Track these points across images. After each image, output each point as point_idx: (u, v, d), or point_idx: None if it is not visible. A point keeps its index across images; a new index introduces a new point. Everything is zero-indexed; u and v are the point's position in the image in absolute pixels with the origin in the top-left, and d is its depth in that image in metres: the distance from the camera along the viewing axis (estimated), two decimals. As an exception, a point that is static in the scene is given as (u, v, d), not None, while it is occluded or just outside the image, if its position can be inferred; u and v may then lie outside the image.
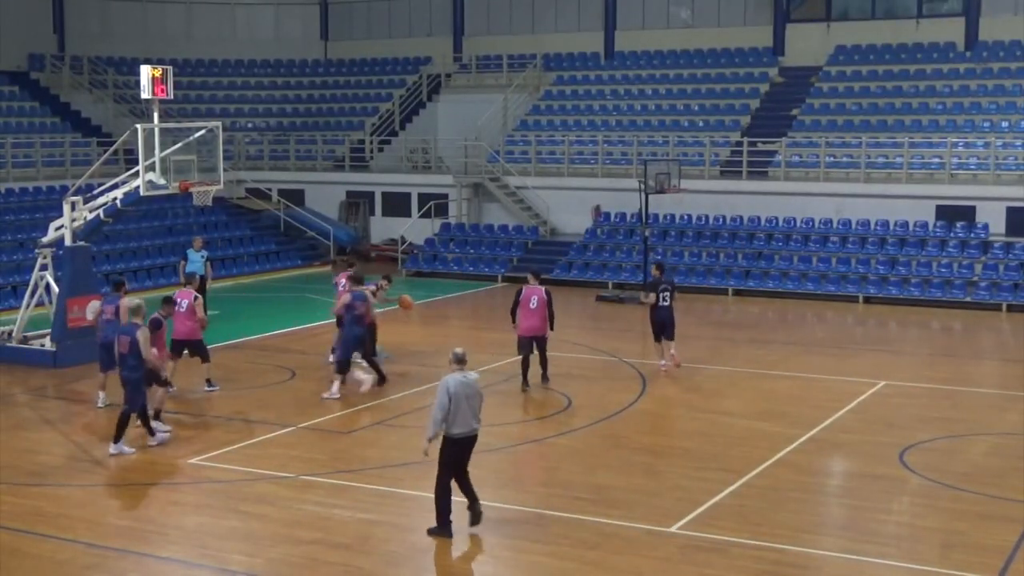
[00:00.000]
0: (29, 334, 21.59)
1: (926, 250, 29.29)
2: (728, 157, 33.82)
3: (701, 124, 35.63)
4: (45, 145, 34.03)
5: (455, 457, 12.33)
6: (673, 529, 12.54)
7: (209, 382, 18.69)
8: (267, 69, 43.03)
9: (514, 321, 19.28)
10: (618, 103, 37.42)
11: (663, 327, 20.47)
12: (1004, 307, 27.13)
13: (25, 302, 21.71)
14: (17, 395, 19.06)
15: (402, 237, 34.81)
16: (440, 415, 12.07)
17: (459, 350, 12.43)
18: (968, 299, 27.70)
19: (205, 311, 18.70)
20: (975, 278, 28.22)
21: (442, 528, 12.37)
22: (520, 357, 19.24)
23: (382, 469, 14.78)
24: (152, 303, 17.67)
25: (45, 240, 21.75)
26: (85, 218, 21.27)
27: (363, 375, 18.67)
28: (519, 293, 19.22)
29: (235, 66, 42.70)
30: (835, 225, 30.74)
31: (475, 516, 12.51)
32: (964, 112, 32.94)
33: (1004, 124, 31.98)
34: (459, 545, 12.25)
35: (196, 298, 18.32)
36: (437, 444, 12.34)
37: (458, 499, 12.45)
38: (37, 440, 16.24)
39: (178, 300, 18.06)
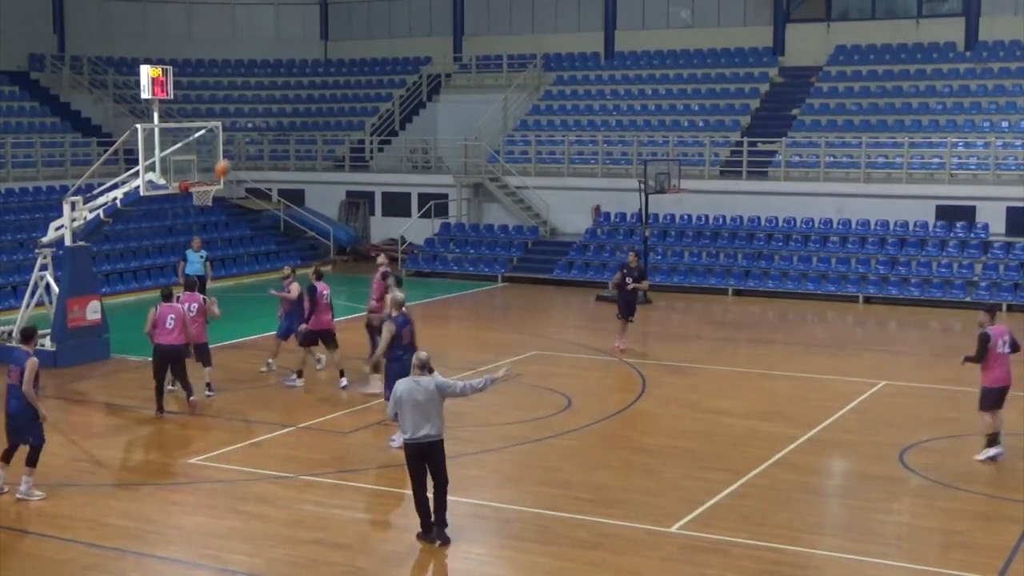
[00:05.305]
0: (29, 334, 21.54)
1: (926, 250, 29.28)
2: (728, 157, 33.80)
3: (701, 124, 35.62)
4: (45, 145, 33.99)
5: (408, 460, 12.09)
6: (673, 529, 12.54)
7: (209, 386, 18.56)
8: (267, 69, 43.01)
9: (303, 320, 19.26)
10: (618, 103, 37.40)
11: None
12: (1004, 307, 27.11)
13: (25, 302, 21.68)
14: (17, 395, 19.02)
15: (402, 237, 34.81)
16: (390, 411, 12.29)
17: (423, 354, 12.25)
18: (968, 299, 27.66)
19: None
20: (975, 278, 28.20)
21: (421, 531, 12.21)
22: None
23: (382, 469, 14.78)
24: (154, 302, 17.66)
25: (45, 240, 21.72)
26: (85, 218, 21.25)
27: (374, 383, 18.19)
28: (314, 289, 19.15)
29: (235, 66, 42.68)
30: (835, 225, 30.72)
31: (438, 539, 12.09)
32: (964, 112, 32.93)
33: (1004, 124, 31.97)
34: (459, 545, 12.24)
35: (205, 300, 18.45)
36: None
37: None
38: (37, 440, 16.24)
39: (187, 304, 17.94)
